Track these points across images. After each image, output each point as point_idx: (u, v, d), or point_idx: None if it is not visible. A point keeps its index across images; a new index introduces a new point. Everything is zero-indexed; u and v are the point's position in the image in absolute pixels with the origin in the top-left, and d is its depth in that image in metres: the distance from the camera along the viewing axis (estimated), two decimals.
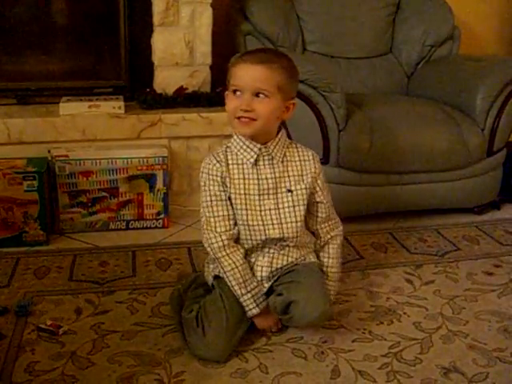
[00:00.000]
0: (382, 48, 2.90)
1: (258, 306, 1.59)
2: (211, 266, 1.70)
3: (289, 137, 2.22)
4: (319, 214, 1.68)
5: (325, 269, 1.70)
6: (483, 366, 1.55)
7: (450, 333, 1.70)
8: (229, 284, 1.60)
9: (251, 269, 1.63)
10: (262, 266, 1.63)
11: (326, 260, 1.71)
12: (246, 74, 1.52)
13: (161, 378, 1.47)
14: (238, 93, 1.53)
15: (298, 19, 2.79)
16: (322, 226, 1.70)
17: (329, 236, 1.71)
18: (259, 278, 1.63)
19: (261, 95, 1.52)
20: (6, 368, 1.49)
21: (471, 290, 1.93)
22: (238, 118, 1.54)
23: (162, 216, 2.35)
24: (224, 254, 1.59)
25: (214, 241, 1.59)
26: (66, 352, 1.56)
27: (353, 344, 1.64)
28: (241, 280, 1.58)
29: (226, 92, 1.60)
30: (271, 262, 1.63)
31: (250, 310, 1.59)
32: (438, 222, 2.46)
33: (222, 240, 1.59)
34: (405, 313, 1.79)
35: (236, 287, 1.59)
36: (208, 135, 2.40)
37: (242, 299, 1.59)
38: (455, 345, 1.64)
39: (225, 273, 1.60)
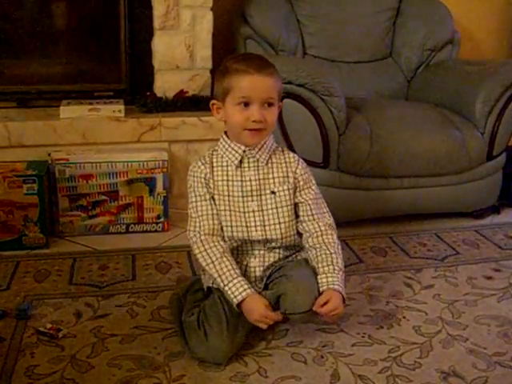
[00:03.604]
0: (381, 52, 2.90)
1: (235, 297, 1.52)
2: (207, 273, 1.70)
3: (288, 140, 2.24)
4: (304, 215, 1.66)
5: (329, 266, 1.60)
6: (483, 371, 1.55)
7: (449, 337, 1.69)
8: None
9: (245, 271, 1.64)
10: (255, 267, 1.65)
11: (332, 256, 1.61)
12: (256, 85, 1.53)
13: (160, 381, 1.47)
14: (246, 104, 1.54)
15: (298, 23, 2.79)
16: (315, 225, 1.64)
17: (321, 229, 1.64)
18: (253, 279, 1.64)
19: (268, 104, 1.55)
20: (5, 371, 1.49)
21: (471, 295, 1.93)
22: (249, 129, 1.56)
23: (161, 219, 2.35)
24: (202, 249, 1.59)
25: (194, 239, 1.61)
26: (65, 355, 1.56)
27: (352, 348, 1.63)
28: (216, 275, 1.56)
29: (213, 101, 1.62)
30: (263, 261, 1.65)
31: (231, 300, 1.54)
32: (438, 226, 2.46)
33: (200, 236, 1.60)
34: (404, 317, 1.79)
35: (216, 280, 1.57)
36: (208, 139, 2.40)
37: (223, 291, 1.56)
38: (455, 349, 1.64)
39: (204, 268, 1.61)
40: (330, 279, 1.57)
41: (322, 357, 1.59)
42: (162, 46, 2.49)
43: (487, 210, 2.57)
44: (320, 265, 1.60)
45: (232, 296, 1.53)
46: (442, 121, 2.41)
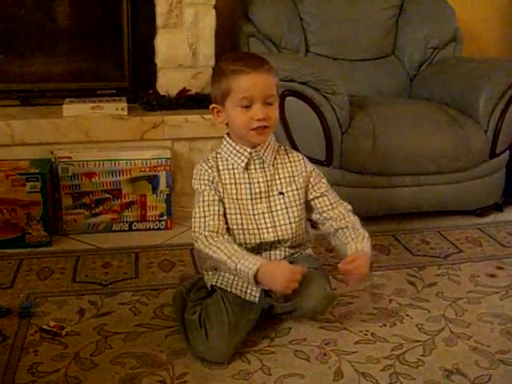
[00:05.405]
0: (384, 50, 2.90)
1: (250, 269, 1.46)
2: (210, 272, 1.70)
3: (291, 138, 2.24)
4: (324, 205, 1.68)
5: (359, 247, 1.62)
6: (486, 368, 1.55)
7: (452, 335, 1.69)
8: (223, 268, 1.56)
9: None
10: None
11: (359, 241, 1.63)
12: (256, 84, 1.52)
13: (164, 379, 1.47)
14: (248, 104, 1.53)
15: (300, 21, 2.79)
16: (336, 211, 1.68)
17: (342, 213, 1.68)
18: None
19: (269, 102, 1.54)
20: (9, 369, 1.49)
21: (474, 292, 1.93)
22: (254, 128, 1.55)
23: (164, 217, 2.35)
24: (206, 243, 1.54)
25: (197, 235, 1.57)
26: (69, 353, 1.56)
27: (355, 346, 1.63)
28: (225, 257, 1.50)
29: (213, 105, 1.61)
30: (269, 258, 1.64)
31: (246, 275, 1.47)
32: (441, 224, 2.46)
33: (204, 232, 1.56)
34: (407, 315, 1.79)
35: (226, 265, 1.51)
36: (211, 137, 2.40)
37: (237, 272, 1.49)
38: (458, 347, 1.64)
39: (214, 260, 1.55)
40: (358, 245, 1.61)
41: (325, 354, 1.59)
42: (164, 43, 2.49)
43: (490, 208, 2.57)
44: (349, 238, 1.64)
45: (246, 270, 1.46)
46: (445, 119, 2.41)
